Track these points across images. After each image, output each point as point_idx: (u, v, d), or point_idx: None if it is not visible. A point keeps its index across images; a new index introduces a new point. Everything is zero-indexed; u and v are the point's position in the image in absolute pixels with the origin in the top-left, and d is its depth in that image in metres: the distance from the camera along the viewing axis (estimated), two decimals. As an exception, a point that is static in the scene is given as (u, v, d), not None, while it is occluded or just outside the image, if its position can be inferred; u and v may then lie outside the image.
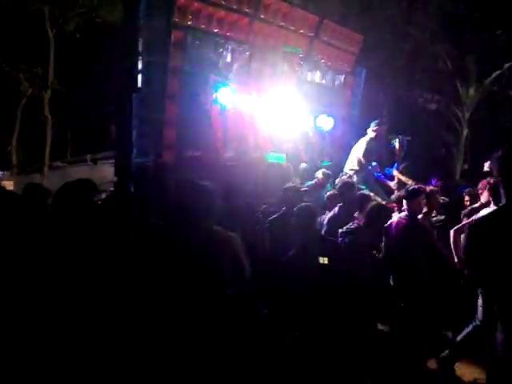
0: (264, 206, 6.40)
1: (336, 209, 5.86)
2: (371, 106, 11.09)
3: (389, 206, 6.10)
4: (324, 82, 9.27)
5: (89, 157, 16.51)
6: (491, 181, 5.10)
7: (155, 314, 3.26)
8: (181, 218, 3.44)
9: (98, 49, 13.91)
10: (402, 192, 5.50)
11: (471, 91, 13.48)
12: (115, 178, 8.50)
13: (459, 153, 14.02)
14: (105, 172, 14.95)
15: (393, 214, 5.65)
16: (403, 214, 5.21)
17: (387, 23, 12.02)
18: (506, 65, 12.84)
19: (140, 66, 7.33)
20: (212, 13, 7.54)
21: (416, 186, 5.29)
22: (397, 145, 8.21)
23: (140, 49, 7.28)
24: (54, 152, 16.21)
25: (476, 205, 5.73)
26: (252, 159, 8.36)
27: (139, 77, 7.36)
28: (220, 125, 7.88)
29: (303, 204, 4.79)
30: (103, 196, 10.44)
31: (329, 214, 5.95)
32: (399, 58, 13.00)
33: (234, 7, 7.66)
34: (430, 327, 4.91)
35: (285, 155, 8.51)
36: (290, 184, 7.22)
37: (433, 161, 12.87)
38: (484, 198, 5.57)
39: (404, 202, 5.22)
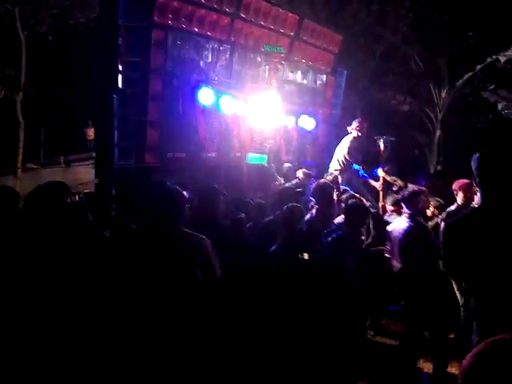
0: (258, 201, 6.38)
1: (313, 211, 5.89)
2: (345, 108, 11.17)
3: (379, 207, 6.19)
4: (305, 81, 9.30)
5: (62, 159, 16.23)
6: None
7: (127, 314, 3.26)
8: (152, 222, 3.50)
9: (71, 50, 13.72)
10: (400, 194, 5.48)
11: (443, 93, 13.70)
12: (95, 180, 8.41)
13: (432, 154, 14.24)
14: (78, 174, 14.86)
15: (392, 217, 5.64)
16: (405, 216, 5.16)
17: (360, 25, 12.12)
18: (478, 67, 13.09)
19: (120, 67, 7.25)
20: (192, 12, 7.47)
21: (415, 187, 5.32)
22: (381, 145, 8.28)
23: (120, 49, 7.17)
24: (26, 154, 15.90)
25: (452, 207, 5.74)
26: (234, 159, 8.36)
27: (119, 77, 7.29)
28: (202, 125, 7.83)
29: (291, 204, 4.88)
30: (77, 198, 10.34)
31: (307, 216, 5.99)
32: (372, 60, 13.13)
33: (215, 6, 7.61)
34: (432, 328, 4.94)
35: (267, 155, 8.53)
36: (287, 184, 7.30)
37: (406, 161, 13.04)
38: (460, 199, 5.64)
39: (405, 203, 5.18)
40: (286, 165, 8.29)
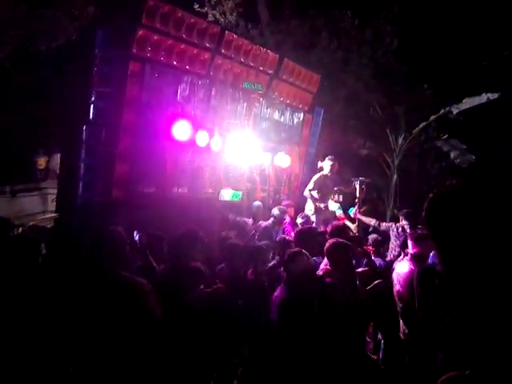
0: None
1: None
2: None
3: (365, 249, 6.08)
4: (282, 119, 9.27)
5: (8, 188, 15.44)
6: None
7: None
8: (89, 263, 3.45)
9: (30, 78, 13.26)
10: (410, 234, 5.27)
11: (400, 139, 14.08)
12: (56, 215, 7.97)
13: (389, 198, 14.51)
14: (24, 205, 14.15)
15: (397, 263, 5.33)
16: (406, 259, 4.95)
17: (325, 69, 12.39)
18: (432, 117, 13.58)
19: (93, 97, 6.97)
20: (172, 45, 7.35)
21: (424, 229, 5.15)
22: (357, 186, 8.34)
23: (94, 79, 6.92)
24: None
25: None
26: (207, 196, 8.13)
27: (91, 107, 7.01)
28: (175, 160, 7.59)
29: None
30: (20, 230, 9.79)
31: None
32: (336, 104, 13.42)
33: (195, 41, 7.51)
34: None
35: (241, 192, 8.35)
36: (264, 224, 7.13)
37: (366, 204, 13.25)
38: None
39: (412, 244, 4.92)
40: (256, 203, 8.11)
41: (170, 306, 3.86)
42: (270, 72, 8.76)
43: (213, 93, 7.89)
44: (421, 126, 13.85)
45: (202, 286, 4.33)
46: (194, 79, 7.70)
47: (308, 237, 5.14)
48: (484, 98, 12.66)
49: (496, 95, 12.49)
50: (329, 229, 5.62)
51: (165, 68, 7.39)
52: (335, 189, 8.57)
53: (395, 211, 14.42)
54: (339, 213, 8.32)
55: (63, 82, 8.20)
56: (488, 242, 0.93)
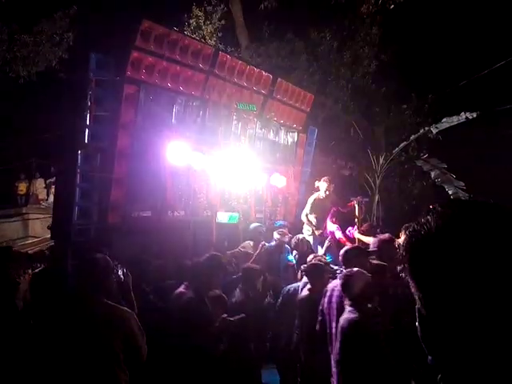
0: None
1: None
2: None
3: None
4: (277, 139, 9.25)
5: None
6: None
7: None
8: (76, 291, 3.47)
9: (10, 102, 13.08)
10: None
11: (381, 160, 14.24)
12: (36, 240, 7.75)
13: (372, 218, 14.61)
14: (4, 231, 13.93)
15: None
16: None
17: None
18: (412, 136, 13.81)
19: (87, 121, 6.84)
20: (166, 68, 7.29)
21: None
22: (356, 206, 8.33)
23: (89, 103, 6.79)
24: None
25: None
26: (203, 218, 8.01)
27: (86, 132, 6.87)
28: (171, 182, 7.46)
29: None
30: None
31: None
32: (316, 125, 13.58)
33: (190, 63, 7.47)
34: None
35: (238, 214, 8.25)
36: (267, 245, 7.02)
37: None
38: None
39: None
40: (253, 225, 7.98)
41: (197, 335, 3.79)
42: (264, 92, 8.77)
43: (207, 114, 7.84)
44: (401, 145, 14.04)
45: (225, 315, 4.29)
46: (189, 101, 7.65)
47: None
48: (463, 117, 12.91)
49: (475, 114, 12.77)
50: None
51: (159, 90, 7.33)
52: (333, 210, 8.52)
53: (378, 231, 14.50)
54: (339, 235, 8.25)
55: (57, 106, 8.00)
56: (470, 283, 0.91)
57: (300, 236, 7.79)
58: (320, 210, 8.43)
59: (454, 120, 13.15)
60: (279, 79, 8.94)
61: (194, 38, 8.45)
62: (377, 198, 14.57)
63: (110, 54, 7.00)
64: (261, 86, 8.61)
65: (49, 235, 12.76)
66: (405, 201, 15.12)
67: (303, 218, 8.57)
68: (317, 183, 8.53)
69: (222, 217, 8.14)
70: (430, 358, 1.02)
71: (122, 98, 6.93)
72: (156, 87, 7.26)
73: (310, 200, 8.51)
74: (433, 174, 14.08)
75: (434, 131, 13.70)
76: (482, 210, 0.97)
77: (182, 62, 7.41)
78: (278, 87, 8.89)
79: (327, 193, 8.44)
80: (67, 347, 3.11)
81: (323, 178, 8.57)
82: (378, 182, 14.50)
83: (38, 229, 13.89)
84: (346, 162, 14.77)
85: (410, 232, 1.04)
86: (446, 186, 13.90)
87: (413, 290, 1.03)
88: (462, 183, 13.53)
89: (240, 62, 8.17)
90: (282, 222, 8.20)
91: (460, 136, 13.79)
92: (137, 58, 7.00)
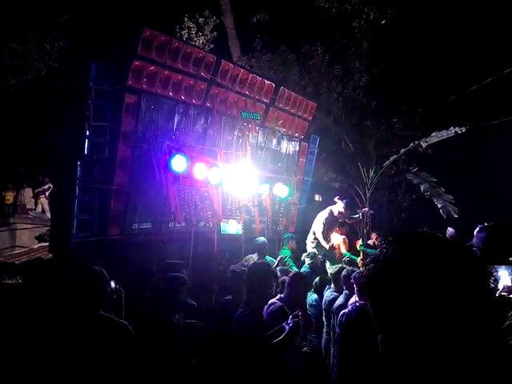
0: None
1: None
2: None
3: None
4: (279, 148, 9.14)
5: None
6: None
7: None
8: (71, 304, 3.38)
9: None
10: None
11: (371, 172, 14.25)
12: (49, 255, 7.52)
13: (362, 230, 14.60)
14: None
15: None
16: None
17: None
18: (402, 150, 13.85)
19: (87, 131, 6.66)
20: (168, 76, 7.15)
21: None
22: (361, 217, 8.25)
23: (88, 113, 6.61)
24: None
25: None
26: (204, 230, 7.85)
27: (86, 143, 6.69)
28: (173, 193, 7.29)
29: None
30: None
31: None
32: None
33: (191, 71, 7.34)
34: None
35: (241, 225, 8.11)
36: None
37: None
38: None
39: None
40: (261, 239, 7.83)
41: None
42: (266, 100, 8.67)
43: (209, 123, 7.71)
44: (391, 159, 14.07)
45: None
46: (190, 110, 7.51)
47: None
48: (452, 131, 12.98)
49: (464, 129, 12.86)
50: None
51: (160, 99, 7.17)
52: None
53: (369, 242, 14.53)
54: (343, 250, 8.17)
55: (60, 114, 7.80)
56: (428, 313, 1.00)
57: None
58: (331, 226, 8.34)
59: (444, 134, 13.20)
60: (282, 87, 8.83)
61: (196, 46, 8.27)
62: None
63: (109, 62, 6.84)
64: (263, 94, 8.52)
65: (36, 245, 12.66)
66: (394, 214, 15.15)
67: (320, 237, 8.34)
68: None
69: (225, 228, 7.98)
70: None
71: (123, 107, 6.78)
72: (157, 96, 7.11)
73: (322, 219, 8.36)
74: (422, 188, 14.09)
75: (424, 145, 13.76)
76: (422, 242, 1.09)
77: (184, 70, 7.27)
78: (280, 96, 8.80)
79: (339, 214, 8.36)
80: (65, 361, 3.06)
81: (343, 201, 8.44)
82: (368, 194, 14.49)
83: (25, 239, 13.66)
84: (336, 174, 14.78)
85: (368, 269, 1.14)
86: (435, 200, 13.89)
87: (374, 321, 1.11)
88: (451, 197, 13.56)
89: (242, 70, 8.04)
90: (290, 234, 8.11)
91: (449, 150, 13.92)
92: (138, 66, 6.85)
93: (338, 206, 8.31)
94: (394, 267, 1.07)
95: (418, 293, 1.00)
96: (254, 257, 7.56)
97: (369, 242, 8.42)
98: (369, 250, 7.96)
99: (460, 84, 13.91)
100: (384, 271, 1.08)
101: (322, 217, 8.27)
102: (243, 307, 4.23)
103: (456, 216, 12.55)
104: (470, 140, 13.59)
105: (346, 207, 8.38)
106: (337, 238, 8.33)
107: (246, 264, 7.18)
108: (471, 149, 14.11)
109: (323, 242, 8.19)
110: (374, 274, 1.11)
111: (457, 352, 0.97)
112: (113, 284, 4.84)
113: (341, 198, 8.47)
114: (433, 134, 13.42)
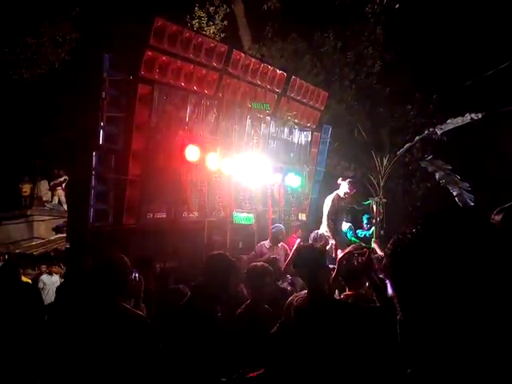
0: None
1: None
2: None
3: None
4: (291, 138, 9.14)
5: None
6: None
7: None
8: (94, 293, 3.35)
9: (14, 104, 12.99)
10: None
11: (385, 161, 14.14)
12: (67, 245, 7.65)
13: (376, 219, 14.52)
14: (9, 232, 13.97)
15: None
16: None
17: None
18: (417, 137, 13.73)
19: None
20: (180, 67, 7.18)
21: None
22: (374, 207, 8.11)
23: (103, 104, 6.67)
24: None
25: None
26: (217, 219, 7.90)
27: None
28: (186, 183, 7.34)
29: None
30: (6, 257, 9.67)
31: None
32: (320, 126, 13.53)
33: (203, 61, 7.36)
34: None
35: (253, 215, 8.14)
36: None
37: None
38: None
39: None
40: (278, 226, 7.81)
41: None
42: (278, 90, 8.66)
43: (221, 113, 7.73)
44: (405, 147, 13.93)
45: None
46: (202, 100, 7.54)
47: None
48: (468, 117, 12.82)
49: (480, 115, 12.70)
50: None
51: (173, 90, 7.21)
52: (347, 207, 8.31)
53: (382, 232, 14.43)
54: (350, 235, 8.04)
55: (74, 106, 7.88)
56: (451, 293, 0.93)
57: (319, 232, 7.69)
58: (338, 210, 7.98)
59: (459, 121, 13.04)
60: (293, 77, 8.82)
61: (207, 36, 8.27)
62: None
63: (122, 53, 6.89)
64: (275, 84, 8.52)
65: (53, 237, 12.87)
66: (409, 202, 15.03)
67: (327, 225, 7.87)
68: (340, 181, 8.00)
69: (238, 218, 8.02)
70: (408, 371, 1.03)
71: (136, 98, 6.84)
72: (170, 87, 7.15)
73: (329, 201, 7.97)
74: (437, 176, 13.95)
75: (439, 132, 13.62)
76: (461, 218, 1.01)
77: (196, 60, 7.30)
78: (291, 85, 8.78)
79: (346, 196, 8.00)
80: (83, 351, 3.04)
81: (348, 179, 8.08)
82: (381, 183, 14.38)
83: (42, 230, 13.86)
84: (349, 163, 14.70)
85: (392, 242, 1.05)
86: (450, 188, 13.76)
87: (395, 301, 1.04)
88: (467, 184, 13.43)
89: (253, 59, 8.05)
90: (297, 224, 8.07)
91: (465, 137, 13.77)
92: (151, 57, 6.89)
93: (343, 187, 7.90)
94: (421, 240, 0.99)
95: (443, 268, 0.93)
96: (266, 244, 7.58)
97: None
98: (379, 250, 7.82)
99: (476, 69, 13.71)
100: (410, 244, 1.00)
101: (328, 199, 7.93)
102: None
103: (472, 204, 12.41)
104: (486, 126, 13.40)
105: (352, 186, 7.88)
106: (345, 226, 8.29)
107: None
108: (487, 135, 13.92)
109: (327, 224, 7.79)
110: (399, 246, 1.02)
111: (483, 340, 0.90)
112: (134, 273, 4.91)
113: (344, 179, 8.10)
114: (448, 121, 13.23)
